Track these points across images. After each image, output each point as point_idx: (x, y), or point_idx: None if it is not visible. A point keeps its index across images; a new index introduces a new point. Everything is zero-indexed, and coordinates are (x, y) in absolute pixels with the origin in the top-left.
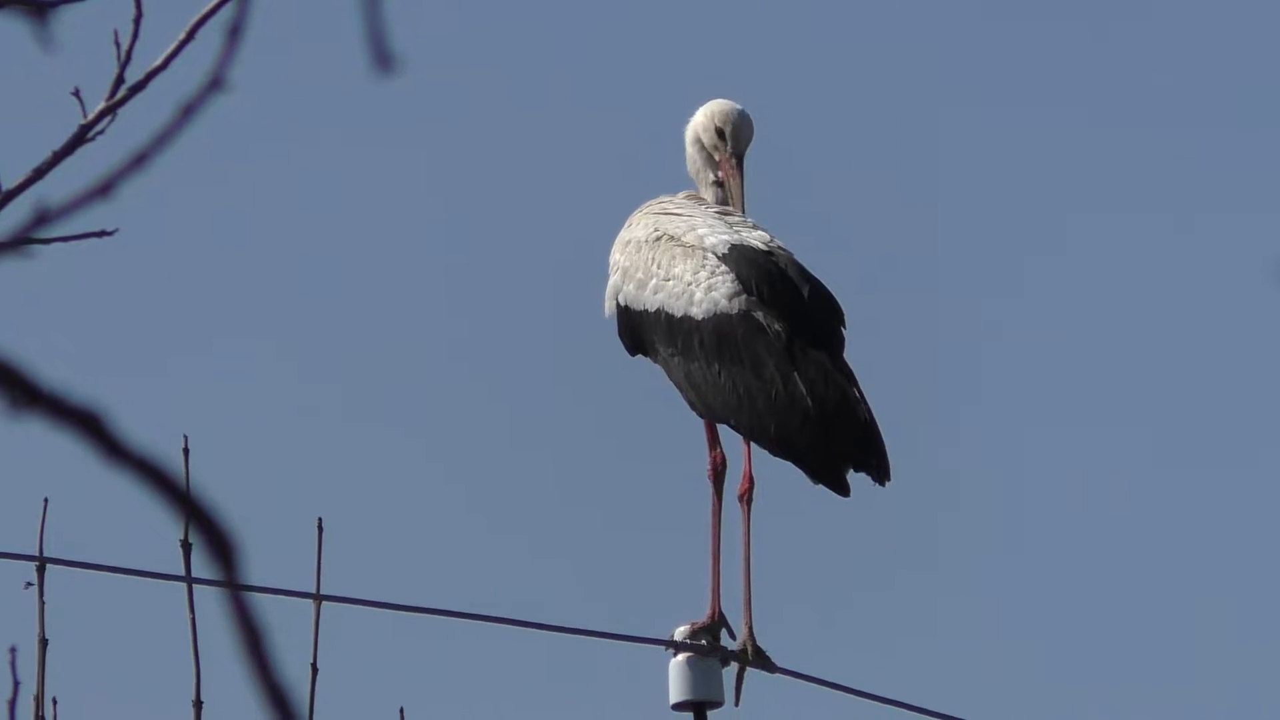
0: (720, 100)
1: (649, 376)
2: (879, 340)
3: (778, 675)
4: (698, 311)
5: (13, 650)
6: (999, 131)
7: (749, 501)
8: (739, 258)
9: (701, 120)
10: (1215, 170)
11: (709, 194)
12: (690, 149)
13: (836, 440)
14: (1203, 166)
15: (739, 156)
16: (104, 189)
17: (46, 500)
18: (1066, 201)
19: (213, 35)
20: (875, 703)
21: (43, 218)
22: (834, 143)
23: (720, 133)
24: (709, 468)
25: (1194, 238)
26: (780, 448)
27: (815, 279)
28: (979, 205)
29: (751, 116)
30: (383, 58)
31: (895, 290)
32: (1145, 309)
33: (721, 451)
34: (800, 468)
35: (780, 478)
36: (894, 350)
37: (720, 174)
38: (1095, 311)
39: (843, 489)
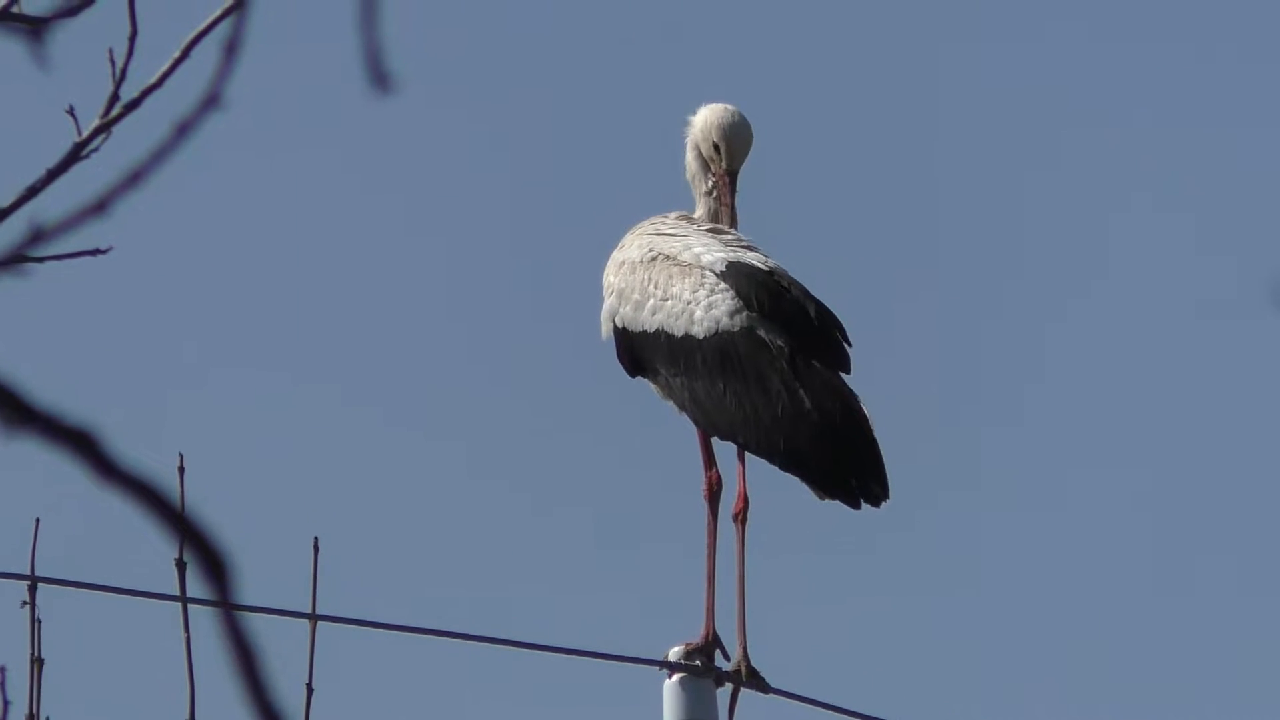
0: (719, 108)
1: (645, 397)
2: (873, 353)
3: (772, 696)
4: (699, 330)
5: (2, 670)
6: (997, 132)
7: (744, 521)
8: (737, 274)
9: (700, 129)
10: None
11: (702, 203)
12: (689, 153)
13: (845, 452)
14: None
15: (733, 173)
16: (99, 206)
17: (38, 520)
18: (1071, 207)
19: (209, 53)
20: None
21: (38, 235)
22: (825, 149)
23: (716, 146)
24: (705, 488)
25: (1201, 257)
26: (790, 463)
27: (816, 299)
28: (975, 212)
29: (750, 125)
30: (380, 76)
31: (879, 306)
32: (1149, 327)
33: (717, 471)
34: (808, 482)
35: (775, 498)
36: (889, 362)
37: (711, 185)
38: (1092, 326)
39: (853, 501)
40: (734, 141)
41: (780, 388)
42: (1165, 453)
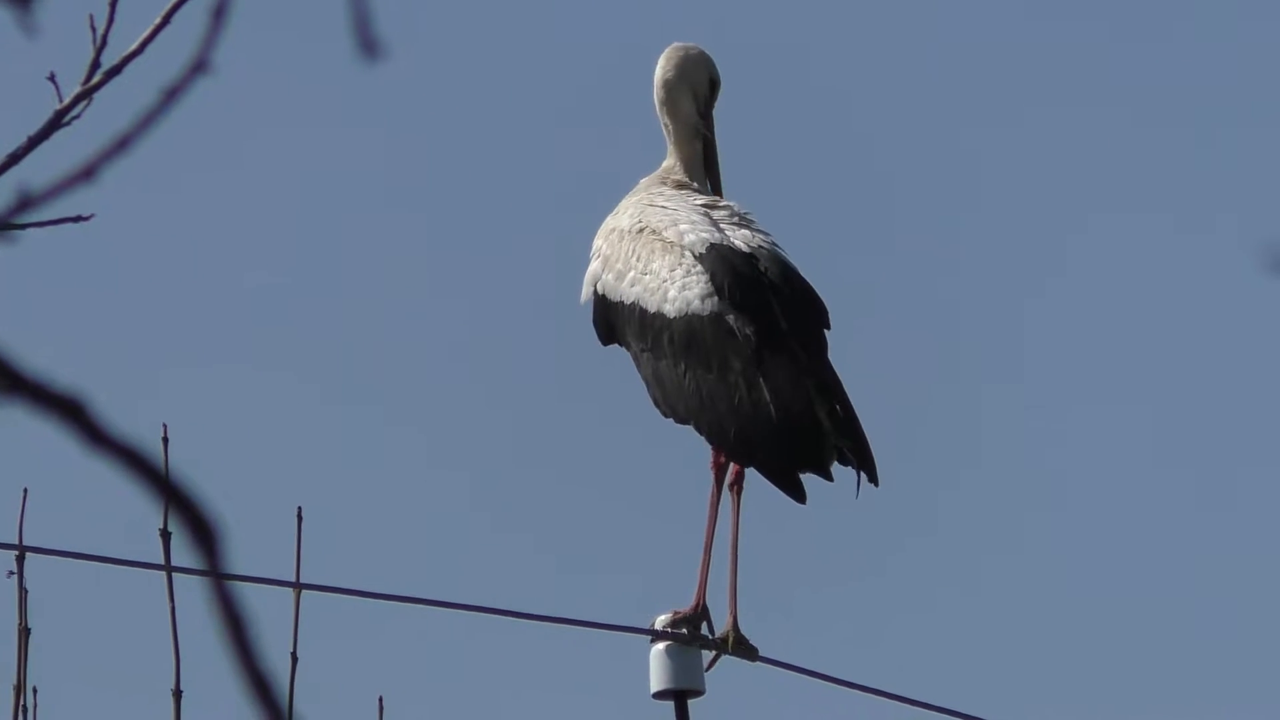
0: (695, 47)
1: (629, 364)
2: (866, 330)
3: (759, 664)
4: (670, 309)
5: None
6: (996, 131)
7: (739, 491)
8: (716, 258)
9: (693, 70)
10: (1217, 167)
11: (691, 147)
12: (682, 99)
13: (799, 448)
14: (1205, 164)
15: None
16: (87, 172)
17: (26, 489)
18: (1070, 200)
19: (196, 19)
20: (857, 692)
21: (24, 202)
22: (828, 129)
23: (714, 84)
24: (712, 459)
25: (1191, 235)
26: (738, 452)
27: (799, 278)
28: (978, 198)
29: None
30: (368, 43)
31: (878, 280)
32: (1147, 305)
33: None
34: (760, 472)
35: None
36: (883, 339)
37: (705, 130)
38: (1092, 311)
39: (800, 496)
40: (717, 74)
41: (739, 377)
42: (1165, 440)
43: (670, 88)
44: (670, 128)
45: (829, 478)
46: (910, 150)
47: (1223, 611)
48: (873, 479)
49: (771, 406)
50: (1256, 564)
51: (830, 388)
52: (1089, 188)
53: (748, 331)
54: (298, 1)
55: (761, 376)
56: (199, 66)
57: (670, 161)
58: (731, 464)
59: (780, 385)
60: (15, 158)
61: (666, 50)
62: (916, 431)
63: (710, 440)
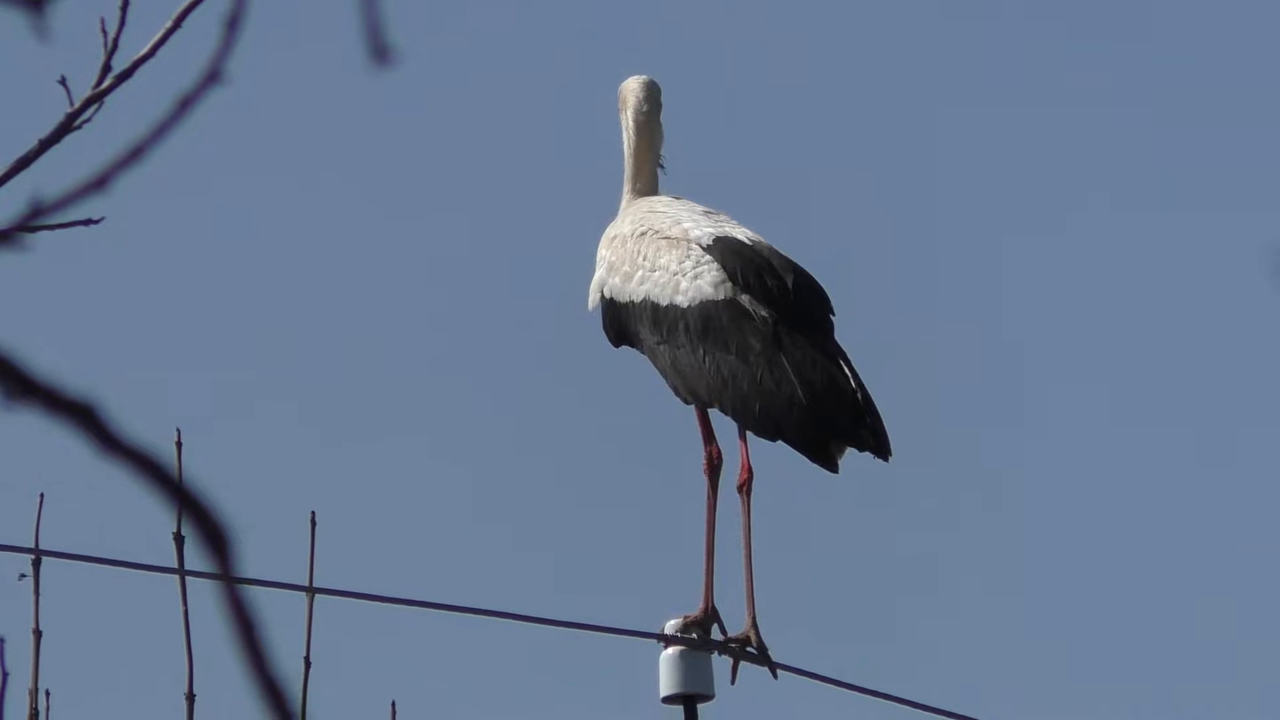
0: (642, 76)
1: (641, 369)
2: (872, 332)
3: (768, 668)
4: (683, 300)
5: (0, 641)
6: (995, 126)
7: (748, 492)
8: (724, 248)
9: (658, 98)
10: (1210, 169)
11: (649, 175)
12: (658, 127)
13: (826, 420)
14: (1202, 165)
15: None
16: (100, 181)
17: (43, 494)
18: (1067, 194)
19: (207, 21)
20: (872, 698)
21: (38, 210)
22: (821, 132)
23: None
24: (705, 462)
25: (1192, 236)
26: (765, 429)
27: (801, 268)
28: (973, 195)
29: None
30: (380, 50)
31: (888, 274)
32: (1148, 302)
33: (717, 446)
34: (791, 446)
35: (779, 469)
36: (889, 343)
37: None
38: (1097, 306)
39: (832, 466)
40: None
41: (760, 357)
42: (1166, 440)
43: (651, 117)
44: (644, 155)
45: (862, 448)
46: (904, 141)
47: (1224, 612)
48: (886, 454)
49: (796, 382)
50: (1255, 565)
51: (846, 366)
52: (1070, 182)
53: (763, 313)
54: (310, 10)
55: (782, 354)
56: (213, 76)
57: (632, 196)
58: (740, 467)
59: (801, 361)
60: (26, 161)
61: (635, 85)
62: (932, 433)
63: (736, 419)
